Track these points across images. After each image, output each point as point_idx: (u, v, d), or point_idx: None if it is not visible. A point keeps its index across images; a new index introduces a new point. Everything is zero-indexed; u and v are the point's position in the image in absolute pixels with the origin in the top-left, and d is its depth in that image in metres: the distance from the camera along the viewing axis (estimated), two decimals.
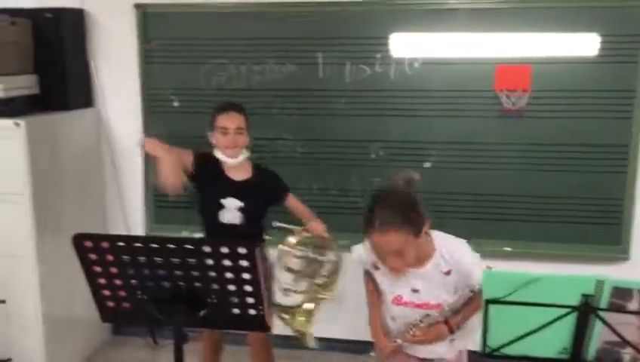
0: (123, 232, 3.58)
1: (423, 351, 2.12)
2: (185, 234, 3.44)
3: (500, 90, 3.03)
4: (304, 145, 3.28)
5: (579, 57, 2.98)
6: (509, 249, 3.16)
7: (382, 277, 2.10)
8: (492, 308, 1.45)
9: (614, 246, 3.09)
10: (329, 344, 3.32)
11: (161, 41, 3.34)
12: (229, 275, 1.63)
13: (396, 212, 1.86)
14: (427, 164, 3.18)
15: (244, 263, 1.60)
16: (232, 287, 1.65)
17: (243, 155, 2.63)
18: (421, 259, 1.98)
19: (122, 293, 1.72)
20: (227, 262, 1.60)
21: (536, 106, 3.02)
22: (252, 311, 1.70)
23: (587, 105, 2.99)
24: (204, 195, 2.68)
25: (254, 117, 3.25)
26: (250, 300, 1.67)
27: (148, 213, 3.53)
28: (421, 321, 2.02)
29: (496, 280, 1.44)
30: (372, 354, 2.37)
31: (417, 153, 3.17)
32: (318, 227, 2.66)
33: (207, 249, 1.58)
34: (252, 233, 2.64)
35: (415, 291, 2.02)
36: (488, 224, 3.18)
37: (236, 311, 1.70)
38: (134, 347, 3.60)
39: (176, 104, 3.38)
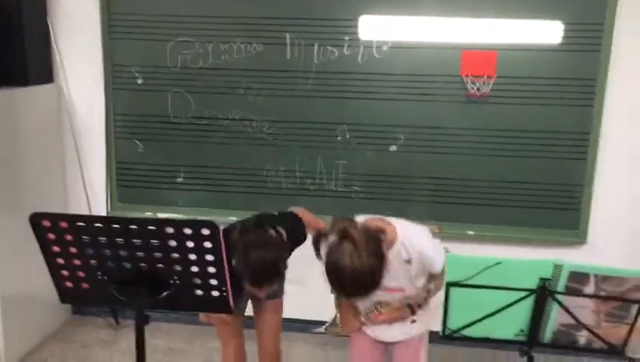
0: (85, 211, 3.52)
1: (383, 333, 2.16)
2: (148, 214, 3.43)
3: (465, 75, 3.06)
4: (270, 126, 3.25)
5: (543, 45, 3.02)
6: (471, 232, 3.21)
7: None
8: (453, 290, 1.47)
9: (572, 231, 3.17)
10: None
11: (125, 15, 3.26)
12: (192, 256, 1.61)
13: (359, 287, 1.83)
14: (393, 148, 3.19)
15: (207, 244, 1.58)
16: (195, 269, 1.64)
17: None
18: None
19: (81, 274, 1.69)
20: (190, 244, 1.58)
21: (500, 92, 3.05)
22: (215, 293, 1.69)
23: (550, 93, 3.04)
24: None
25: (220, 97, 3.26)
26: (214, 281, 1.66)
27: (111, 191, 3.47)
28: (383, 304, 2.06)
29: (458, 264, 1.46)
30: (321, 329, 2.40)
31: (383, 136, 3.19)
32: None
33: (169, 230, 1.56)
34: None
35: None
36: (452, 207, 3.22)
37: (199, 292, 1.69)
38: (95, 327, 3.55)
39: (140, 81, 3.31)
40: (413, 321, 2.13)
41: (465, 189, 3.19)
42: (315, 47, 3.14)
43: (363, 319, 2.14)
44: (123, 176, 3.44)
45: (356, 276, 1.75)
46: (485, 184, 3.17)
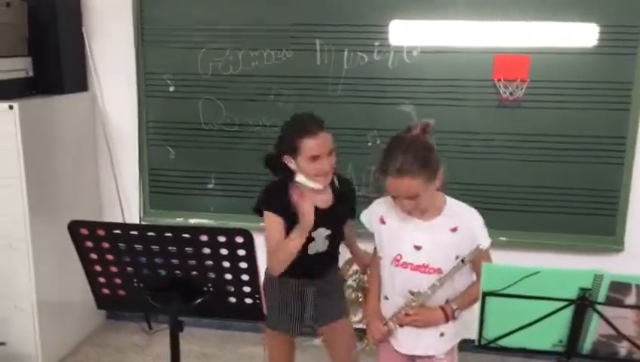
0: (118, 217, 3.57)
1: (409, 344, 2.09)
2: (180, 220, 3.47)
3: (498, 79, 3.02)
4: None
5: (577, 48, 2.97)
6: (504, 239, 3.16)
7: (386, 233, 2.07)
8: (489, 300, 1.45)
9: (609, 237, 3.11)
10: None
11: (158, 24, 3.30)
12: (226, 264, 1.62)
13: (412, 158, 1.87)
14: None
15: (241, 252, 1.59)
16: (228, 276, 1.65)
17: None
18: (430, 211, 2.00)
19: (118, 281, 1.71)
20: (224, 251, 1.59)
21: (533, 96, 3.01)
22: (249, 300, 1.69)
23: (585, 97, 2.98)
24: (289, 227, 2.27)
25: (250, 103, 3.27)
26: (247, 289, 1.67)
27: (143, 197, 3.52)
28: (413, 299, 1.99)
29: (495, 273, 1.44)
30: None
31: None
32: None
33: (204, 238, 1.58)
34: (336, 254, 2.43)
35: (417, 248, 1.99)
36: (484, 213, 3.05)
37: (232, 299, 1.70)
38: (129, 331, 3.59)
39: (172, 89, 3.35)
40: (442, 334, 2.07)
41: (497, 195, 3.15)
42: (345, 53, 3.14)
43: (391, 324, 2.07)
44: (155, 183, 3.48)
45: (415, 144, 1.90)
46: (518, 190, 3.13)
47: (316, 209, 2.18)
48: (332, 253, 2.37)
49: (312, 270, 2.33)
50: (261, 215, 2.26)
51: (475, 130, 3.10)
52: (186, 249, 1.60)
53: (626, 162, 3.02)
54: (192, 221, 3.46)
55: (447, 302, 2.03)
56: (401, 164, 1.86)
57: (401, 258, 2.01)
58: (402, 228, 2.02)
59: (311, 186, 2.20)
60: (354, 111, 3.19)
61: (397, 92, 3.14)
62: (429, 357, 2.09)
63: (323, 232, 2.27)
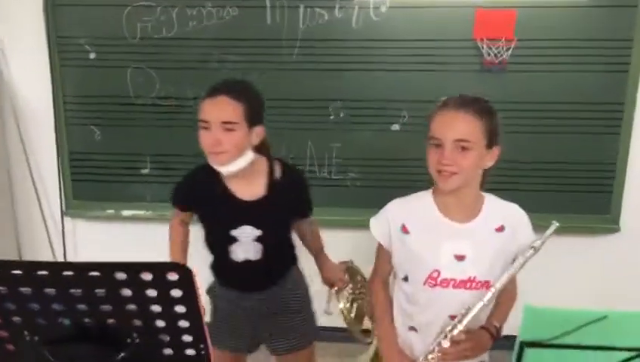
0: (36, 213, 3.02)
1: None
2: (110, 212, 2.94)
3: (480, 39, 2.59)
4: None
5: (570, 1, 2.55)
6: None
7: (413, 245, 1.61)
8: (529, 352, 1.03)
9: (603, 216, 2.76)
10: None
11: None
12: (156, 308, 1.15)
13: (476, 100, 1.55)
14: (395, 127, 2.73)
15: (176, 293, 1.11)
16: (161, 323, 1.17)
17: (242, 161, 1.79)
18: (469, 209, 1.58)
19: (3, 333, 1.22)
20: (152, 293, 1.11)
21: (521, 58, 2.59)
22: (190, 352, 1.22)
23: (579, 57, 2.59)
24: (208, 225, 1.92)
25: (188, 72, 2.75)
26: (188, 338, 1.20)
27: (64, 187, 2.96)
28: (459, 321, 1.51)
29: (542, 318, 1.01)
30: None
31: (384, 114, 2.72)
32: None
33: (121, 276, 1.09)
34: (281, 266, 1.99)
35: (460, 258, 1.56)
36: None
37: (168, 352, 1.23)
38: None
39: (92, 56, 2.78)
40: None
41: None
42: (301, 10, 2.63)
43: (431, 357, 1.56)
44: (78, 169, 2.93)
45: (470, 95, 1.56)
46: (503, 165, 2.69)
47: (237, 201, 1.83)
48: (273, 264, 1.91)
49: (246, 282, 1.91)
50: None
51: None
52: (96, 291, 1.11)
53: (623, 131, 2.66)
54: (125, 213, 2.94)
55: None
56: (466, 97, 1.55)
57: (439, 274, 1.56)
58: (436, 235, 1.57)
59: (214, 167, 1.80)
60: (313, 79, 2.71)
61: (363, 55, 2.66)
62: None
63: (250, 233, 1.83)
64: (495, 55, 2.58)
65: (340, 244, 2.98)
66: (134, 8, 2.70)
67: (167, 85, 2.78)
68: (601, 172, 2.72)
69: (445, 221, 1.58)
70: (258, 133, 1.79)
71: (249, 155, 1.79)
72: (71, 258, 3.14)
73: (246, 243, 1.83)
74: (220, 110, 1.71)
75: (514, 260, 1.53)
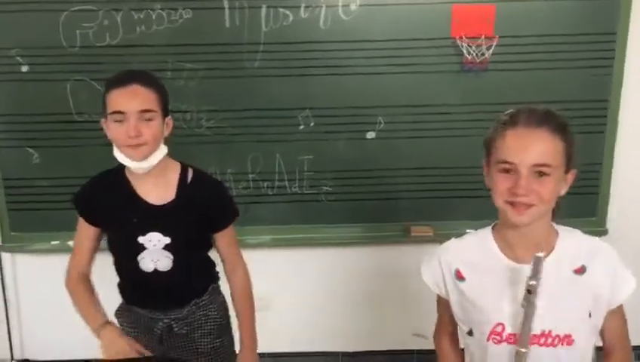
0: None
1: None
2: (56, 243, 2.61)
3: (459, 37, 2.40)
4: (210, 117, 2.49)
5: None
6: (471, 230, 2.61)
7: (470, 294, 1.37)
8: None
9: (589, 219, 2.64)
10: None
11: None
12: None
13: (552, 115, 1.30)
14: (371, 135, 2.52)
15: None
16: None
17: (159, 154, 1.64)
18: (539, 247, 1.29)
19: None
20: None
21: (502, 57, 2.43)
22: None
23: (561, 54, 2.44)
24: (113, 232, 1.76)
25: None
26: None
27: (0, 218, 2.62)
28: None
29: None
30: None
31: (358, 121, 2.50)
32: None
33: None
34: (193, 278, 1.80)
35: None
36: (446, 203, 2.60)
37: None
38: None
39: (25, 69, 2.44)
40: None
41: (461, 179, 2.56)
42: (263, 11, 2.38)
43: None
44: (15, 198, 2.58)
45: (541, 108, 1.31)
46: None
47: (145, 204, 1.69)
48: (185, 277, 1.75)
49: (156, 297, 1.76)
50: None
51: (433, 101, 2.49)
52: None
53: (608, 130, 2.54)
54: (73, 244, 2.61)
55: None
56: (538, 111, 1.29)
57: (503, 329, 1.31)
58: (497, 280, 1.33)
59: (128, 165, 1.64)
60: (279, 86, 2.46)
61: (333, 58, 2.44)
62: None
63: (158, 240, 1.68)
64: (476, 54, 2.40)
65: (315, 264, 2.77)
66: (72, 13, 2.38)
67: None
68: (587, 173, 2.58)
69: (509, 263, 1.32)
70: (169, 123, 1.68)
71: (164, 149, 1.67)
72: (11, 297, 2.79)
73: (155, 252, 1.69)
74: (136, 99, 1.58)
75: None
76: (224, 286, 1.88)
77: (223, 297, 1.91)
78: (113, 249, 1.77)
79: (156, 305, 1.77)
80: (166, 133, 1.66)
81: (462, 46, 2.40)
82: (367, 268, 2.77)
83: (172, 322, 1.78)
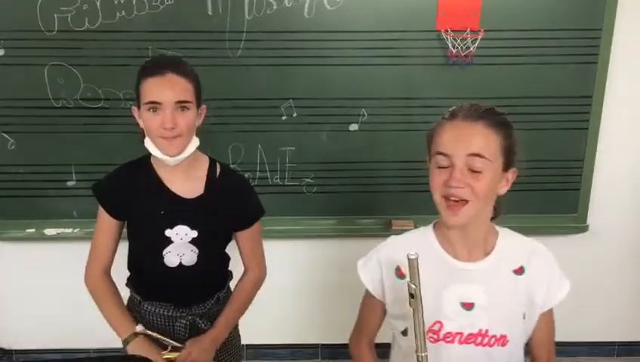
0: None
1: None
2: (31, 231, 2.57)
3: (444, 30, 2.38)
4: None
5: None
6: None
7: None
8: None
9: (570, 215, 2.64)
10: None
11: None
12: None
13: (491, 111, 1.29)
14: (354, 126, 2.49)
15: None
16: None
17: (192, 147, 1.61)
18: (479, 245, 1.32)
19: None
20: None
21: (488, 50, 2.40)
22: None
23: (546, 49, 2.43)
24: (138, 224, 1.69)
25: (117, 70, 2.40)
26: None
27: None
28: None
29: None
30: None
31: (341, 113, 2.47)
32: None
33: None
34: (215, 274, 1.79)
35: (467, 307, 1.29)
36: (429, 196, 2.52)
37: None
38: None
39: (1, 53, 2.38)
40: None
41: None
42: None
43: None
44: None
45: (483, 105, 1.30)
46: None
47: (173, 196, 1.64)
48: (208, 271, 1.72)
49: (179, 293, 1.69)
50: None
51: (417, 94, 2.46)
52: None
53: (591, 126, 2.54)
54: (49, 231, 2.57)
55: None
56: (478, 107, 1.28)
57: (441, 327, 1.30)
58: (437, 278, 1.30)
59: (159, 157, 1.58)
60: (261, 75, 2.42)
61: (316, 49, 2.40)
62: None
63: (185, 233, 1.64)
64: (461, 47, 2.38)
65: (296, 256, 2.75)
66: None
67: (93, 85, 2.42)
68: (569, 169, 2.59)
69: (449, 260, 1.31)
70: (202, 113, 1.66)
71: (196, 141, 1.63)
72: None
73: (181, 246, 1.64)
74: (174, 90, 1.53)
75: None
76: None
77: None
78: (136, 242, 1.70)
79: (178, 301, 1.70)
80: (199, 122, 1.63)
81: (447, 39, 2.37)
82: (347, 261, 2.72)
83: (197, 317, 1.71)
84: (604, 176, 2.62)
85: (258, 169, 2.53)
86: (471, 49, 2.37)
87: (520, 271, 1.32)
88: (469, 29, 2.37)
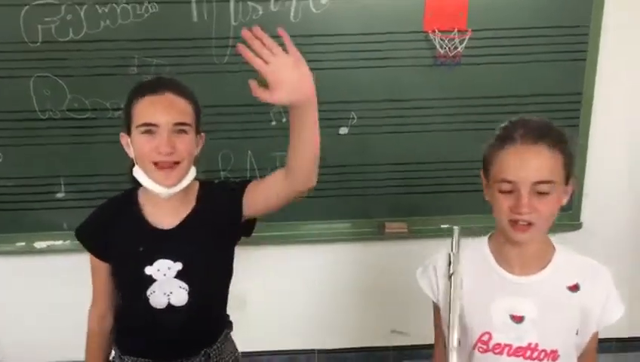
0: None
1: None
2: (21, 245, 2.54)
3: (432, 31, 2.37)
4: None
5: None
6: (446, 226, 2.59)
7: (464, 296, 1.34)
8: None
9: (564, 213, 2.63)
10: None
11: None
12: None
13: (548, 127, 1.26)
14: (344, 130, 2.48)
15: None
16: None
17: (190, 176, 1.47)
18: (534, 259, 1.32)
19: None
20: None
21: (476, 50, 2.39)
22: None
23: (535, 47, 2.42)
24: (114, 267, 1.55)
25: (104, 79, 2.38)
26: None
27: None
28: None
29: None
30: None
31: (330, 117, 2.45)
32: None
33: None
34: (214, 316, 1.62)
35: (517, 320, 1.29)
36: (421, 198, 2.58)
37: None
38: None
39: None
40: None
41: (436, 174, 2.54)
42: (232, 4, 2.32)
43: None
44: None
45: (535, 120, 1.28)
46: (460, 166, 2.52)
47: (153, 229, 1.47)
48: (204, 312, 1.53)
49: (167, 342, 1.51)
50: None
51: (406, 96, 2.45)
52: None
53: (582, 123, 2.53)
54: (39, 244, 2.54)
55: None
56: (536, 125, 1.25)
57: (490, 338, 1.30)
58: (488, 290, 1.32)
59: (150, 188, 1.43)
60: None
61: (304, 53, 2.29)
62: None
63: (168, 267, 1.46)
64: (449, 48, 2.37)
65: (288, 261, 2.73)
66: (33, 7, 2.29)
67: (79, 95, 2.39)
68: None
69: (501, 272, 1.31)
70: (200, 141, 1.51)
71: (193, 171, 1.48)
72: None
73: (166, 283, 1.46)
74: (172, 110, 1.39)
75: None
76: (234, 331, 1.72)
77: (235, 347, 1.72)
78: (119, 286, 1.56)
79: (161, 355, 1.52)
80: (197, 150, 1.48)
81: (434, 40, 2.36)
82: (341, 265, 2.74)
83: None
84: (596, 173, 2.62)
85: (248, 175, 2.51)
86: (459, 49, 2.36)
87: (575, 288, 1.30)
88: (456, 29, 2.36)
